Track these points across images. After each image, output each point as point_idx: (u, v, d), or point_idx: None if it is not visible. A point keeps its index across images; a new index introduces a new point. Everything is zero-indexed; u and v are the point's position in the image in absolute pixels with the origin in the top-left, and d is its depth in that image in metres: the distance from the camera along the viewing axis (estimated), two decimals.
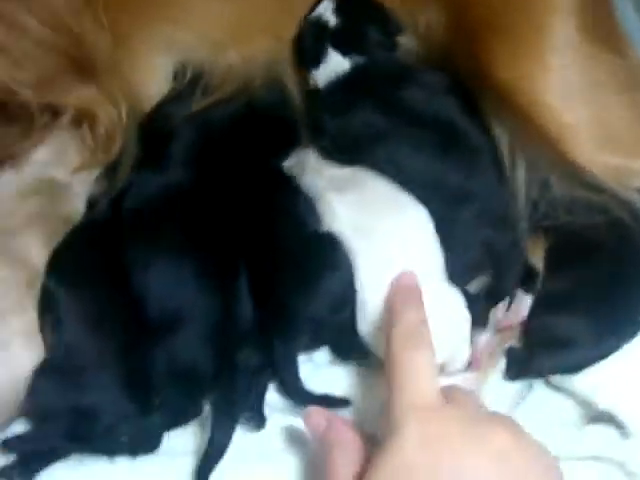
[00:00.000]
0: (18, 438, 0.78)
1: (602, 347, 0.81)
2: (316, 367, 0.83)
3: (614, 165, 0.83)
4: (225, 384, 0.77)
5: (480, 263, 0.84)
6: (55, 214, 0.86)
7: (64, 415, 0.76)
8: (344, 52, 0.92)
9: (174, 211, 0.85)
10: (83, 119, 0.88)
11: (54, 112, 0.87)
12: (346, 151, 0.88)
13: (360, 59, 0.92)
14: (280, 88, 0.94)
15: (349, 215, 0.83)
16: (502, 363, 0.85)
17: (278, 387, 0.81)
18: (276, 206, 0.86)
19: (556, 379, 0.84)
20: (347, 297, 0.79)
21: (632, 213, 0.84)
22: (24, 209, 0.84)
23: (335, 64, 0.92)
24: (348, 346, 0.82)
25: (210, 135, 0.91)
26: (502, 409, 0.80)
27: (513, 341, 0.86)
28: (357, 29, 0.93)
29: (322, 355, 0.85)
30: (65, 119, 0.87)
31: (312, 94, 0.94)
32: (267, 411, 0.80)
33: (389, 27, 0.94)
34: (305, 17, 0.95)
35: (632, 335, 0.82)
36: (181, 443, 0.80)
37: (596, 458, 0.79)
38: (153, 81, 0.93)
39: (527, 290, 0.86)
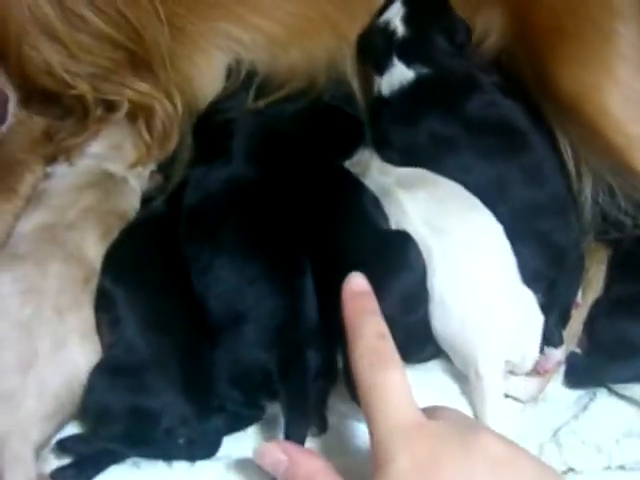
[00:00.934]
0: (74, 439, 0.75)
1: None
2: None
3: None
4: (293, 387, 0.74)
5: (545, 271, 0.81)
6: (110, 209, 0.83)
7: (123, 417, 0.73)
8: (408, 63, 0.91)
9: (237, 208, 0.82)
10: (139, 113, 0.86)
11: (109, 106, 0.85)
12: (412, 162, 0.87)
13: (424, 69, 0.90)
14: (344, 87, 0.93)
15: (421, 213, 0.81)
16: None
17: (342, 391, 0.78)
18: (342, 204, 0.84)
19: (620, 387, 0.81)
20: (419, 297, 0.77)
21: None
22: (80, 203, 0.82)
23: (399, 74, 0.91)
24: (415, 348, 0.79)
25: (273, 132, 0.89)
26: (563, 418, 0.78)
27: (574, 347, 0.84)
28: (424, 39, 0.92)
29: None
30: (121, 113, 0.85)
31: (376, 102, 0.92)
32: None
33: (458, 36, 0.93)
34: (373, 19, 0.93)
35: None
36: (239, 447, 0.77)
37: None
38: (208, 77, 0.91)
39: None
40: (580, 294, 0.85)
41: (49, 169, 0.85)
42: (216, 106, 0.91)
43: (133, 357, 0.75)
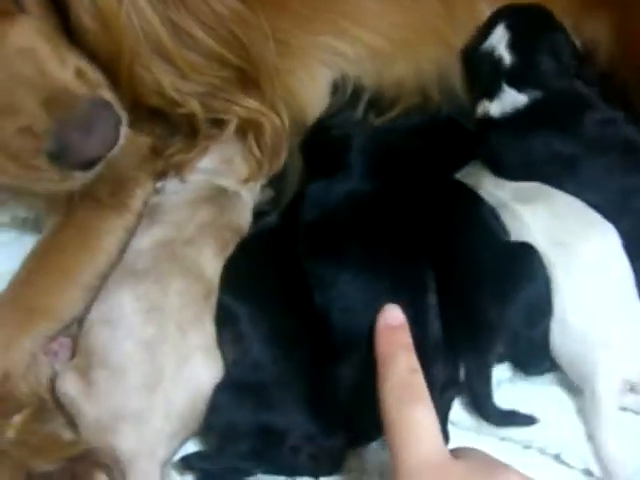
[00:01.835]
0: (198, 456, 0.75)
1: None
2: (497, 383, 0.79)
3: None
4: None
5: None
6: (226, 224, 0.83)
7: (249, 434, 0.72)
8: (519, 89, 0.89)
9: (359, 223, 0.81)
10: (248, 129, 0.85)
11: (218, 122, 0.84)
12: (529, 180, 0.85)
13: (537, 93, 0.89)
14: (456, 99, 0.92)
15: (542, 227, 0.80)
16: None
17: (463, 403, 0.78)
18: (462, 216, 0.83)
19: None
20: (543, 310, 0.76)
21: None
22: (196, 219, 0.81)
23: (512, 100, 0.89)
24: (535, 361, 0.79)
25: (390, 146, 0.88)
26: None
27: None
28: (532, 65, 0.90)
29: (502, 371, 0.80)
30: (230, 130, 0.84)
31: (484, 124, 0.91)
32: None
33: (564, 56, 0.91)
34: (476, 41, 0.92)
35: None
36: (361, 463, 0.76)
37: None
38: (313, 92, 0.90)
39: None
40: None
41: (159, 184, 0.85)
42: (326, 122, 0.90)
43: (258, 374, 0.74)
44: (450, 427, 0.76)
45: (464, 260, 0.80)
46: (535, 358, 0.78)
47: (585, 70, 0.92)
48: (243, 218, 0.85)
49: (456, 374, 0.77)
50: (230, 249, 0.81)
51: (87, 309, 0.79)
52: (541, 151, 0.85)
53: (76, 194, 0.78)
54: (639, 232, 0.80)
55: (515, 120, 0.88)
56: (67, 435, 0.74)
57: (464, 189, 0.87)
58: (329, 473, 0.75)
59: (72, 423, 0.74)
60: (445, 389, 0.75)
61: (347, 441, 0.75)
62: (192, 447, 0.77)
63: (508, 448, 0.78)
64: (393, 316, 0.71)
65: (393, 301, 0.74)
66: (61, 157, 0.69)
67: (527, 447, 0.78)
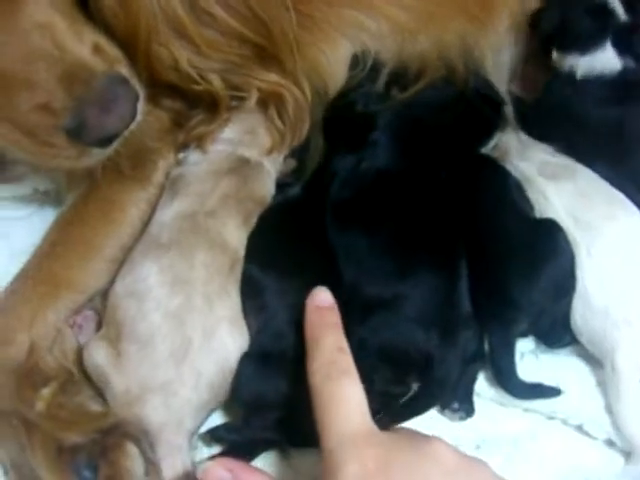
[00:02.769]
0: (226, 428, 0.74)
1: None
2: (520, 355, 0.79)
3: None
4: (449, 368, 0.73)
5: None
6: (249, 194, 0.82)
7: (276, 405, 0.72)
8: (621, 51, 0.86)
9: (389, 197, 0.81)
10: (269, 101, 0.84)
11: (239, 95, 0.83)
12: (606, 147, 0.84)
13: (631, 64, 0.86)
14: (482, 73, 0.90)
15: (567, 205, 0.80)
16: None
17: (488, 375, 0.78)
18: (489, 192, 0.83)
19: None
20: (567, 286, 0.76)
21: None
22: (219, 190, 0.80)
23: (606, 60, 0.86)
24: (558, 335, 0.79)
25: (417, 121, 0.87)
26: None
27: None
28: None
29: (525, 343, 0.80)
30: (251, 102, 0.83)
31: (561, 82, 0.88)
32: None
33: None
34: None
35: None
36: None
37: None
38: (335, 65, 0.89)
39: None
40: None
41: (181, 156, 0.84)
42: (349, 96, 0.89)
43: (282, 343, 0.74)
44: (475, 398, 0.77)
45: (490, 236, 0.79)
46: (557, 332, 0.78)
47: None
48: (266, 189, 0.84)
49: (481, 347, 0.76)
50: (253, 220, 0.81)
51: (110, 282, 0.78)
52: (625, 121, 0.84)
53: (98, 167, 0.77)
54: None
55: (605, 88, 0.86)
56: (95, 407, 0.73)
57: (490, 164, 0.86)
58: None
59: (100, 395, 0.73)
60: (471, 361, 0.75)
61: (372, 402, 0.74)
62: (218, 419, 0.77)
63: (531, 419, 0.78)
64: (322, 298, 0.71)
65: (424, 269, 0.75)
66: (79, 134, 0.68)
67: (550, 418, 0.78)
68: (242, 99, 0.83)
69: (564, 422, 0.78)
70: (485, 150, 0.89)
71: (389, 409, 0.74)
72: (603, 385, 0.78)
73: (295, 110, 0.84)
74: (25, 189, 0.86)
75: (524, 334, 0.78)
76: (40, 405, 0.71)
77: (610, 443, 0.77)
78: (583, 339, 0.77)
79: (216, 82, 0.80)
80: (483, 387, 0.78)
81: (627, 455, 0.76)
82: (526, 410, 0.78)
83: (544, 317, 0.76)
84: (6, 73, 0.65)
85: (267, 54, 0.82)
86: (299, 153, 0.87)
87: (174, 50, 0.76)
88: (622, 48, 0.86)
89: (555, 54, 0.89)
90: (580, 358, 0.80)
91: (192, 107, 0.83)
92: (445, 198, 0.82)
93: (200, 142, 0.82)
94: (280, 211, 0.82)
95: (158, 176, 0.83)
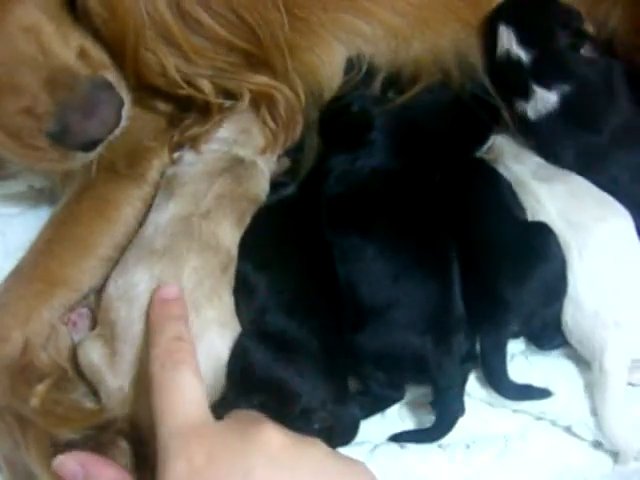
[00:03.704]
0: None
1: None
2: (510, 356, 0.79)
3: None
4: (445, 372, 0.73)
5: None
6: (243, 194, 0.81)
7: (263, 387, 0.72)
8: (549, 85, 0.86)
9: (383, 199, 0.82)
10: (260, 102, 0.84)
11: (231, 96, 0.83)
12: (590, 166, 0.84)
13: (566, 87, 0.86)
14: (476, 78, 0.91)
15: (559, 207, 0.80)
16: None
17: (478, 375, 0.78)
18: (480, 195, 0.84)
19: None
20: (558, 289, 0.77)
21: None
22: (213, 190, 0.80)
23: (543, 100, 0.86)
24: (548, 338, 0.79)
25: (412, 124, 0.88)
26: None
27: None
28: (551, 51, 0.87)
29: (516, 345, 0.81)
30: (244, 103, 0.83)
31: (526, 125, 0.88)
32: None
33: (573, 22, 0.88)
34: (490, 57, 0.90)
35: None
36: (379, 432, 0.77)
37: None
38: (331, 68, 0.89)
39: None
40: None
41: (176, 155, 0.84)
42: (345, 99, 0.89)
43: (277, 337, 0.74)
44: (465, 398, 0.77)
45: (481, 239, 0.80)
46: (548, 334, 0.79)
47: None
48: (260, 187, 0.84)
49: (473, 348, 0.77)
50: (247, 219, 0.81)
51: (104, 279, 0.78)
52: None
53: (92, 165, 0.77)
54: None
55: (554, 121, 0.86)
56: (89, 404, 0.73)
57: (483, 167, 0.87)
58: (344, 443, 0.74)
59: (94, 392, 0.73)
60: (463, 362, 0.76)
61: (361, 410, 0.75)
62: None
63: (521, 420, 0.79)
64: (168, 290, 0.71)
65: (421, 272, 0.76)
66: (62, 138, 0.68)
67: (539, 419, 0.78)
68: (235, 100, 0.83)
69: (553, 423, 0.78)
70: (479, 152, 0.90)
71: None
72: (592, 387, 0.77)
73: (287, 111, 0.84)
74: (20, 186, 0.86)
75: (515, 335, 0.79)
76: (34, 402, 0.71)
77: (598, 444, 0.77)
78: (573, 340, 0.77)
79: (206, 87, 0.80)
80: (473, 387, 0.78)
81: (615, 456, 0.76)
82: (515, 411, 0.79)
83: (535, 319, 0.77)
84: None
85: (256, 59, 0.82)
86: (293, 153, 0.87)
87: (161, 56, 0.76)
88: (545, 82, 0.86)
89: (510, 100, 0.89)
90: (569, 360, 0.80)
91: (185, 109, 0.83)
92: (438, 200, 0.83)
93: (194, 142, 0.82)
94: (275, 210, 0.82)
95: (153, 175, 0.83)
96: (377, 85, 0.89)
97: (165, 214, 0.78)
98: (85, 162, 0.73)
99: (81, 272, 0.79)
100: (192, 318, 0.73)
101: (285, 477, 0.58)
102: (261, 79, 0.83)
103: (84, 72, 0.69)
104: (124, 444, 0.70)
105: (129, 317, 0.73)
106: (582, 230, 0.78)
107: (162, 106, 0.82)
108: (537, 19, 0.90)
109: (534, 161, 0.86)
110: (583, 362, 0.79)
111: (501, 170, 0.86)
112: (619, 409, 0.74)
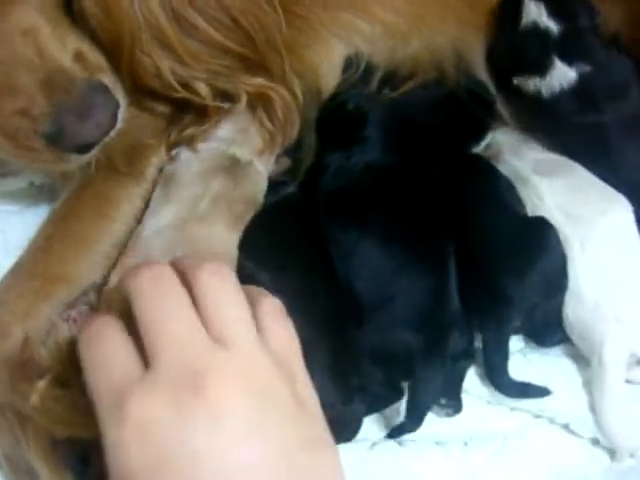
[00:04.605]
0: None
1: None
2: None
3: None
4: (433, 368, 0.73)
5: None
6: (239, 195, 0.81)
7: None
8: (570, 62, 0.86)
9: (380, 194, 0.82)
10: (257, 103, 0.84)
11: (228, 96, 0.83)
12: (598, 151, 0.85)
13: (586, 68, 0.86)
14: (472, 74, 0.91)
15: (559, 201, 0.80)
16: None
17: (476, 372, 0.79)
18: (478, 191, 0.84)
19: None
20: (559, 283, 0.77)
21: None
22: (210, 192, 0.79)
23: (561, 76, 0.86)
24: (549, 333, 0.79)
25: (407, 120, 0.88)
26: None
27: None
28: (579, 30, 0.87)
29: (514, 343, 0.80)
30: (242, 104, 0.83)
31: (537, 103, 0.88)
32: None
33: (592, 10, 0.88)
34: (509, 30, 0.89)
35: None
36: (378, 430, 0.77)
37: None
38: (329, 66, 0.89)
39: None
40: None
41: (174, 152, 0.83)
42: (341, 97, 0.89)
43: None
44: (463, 395, 0.77)
45: (480, 236, 0.80)
46: (549, 330, 0.79)
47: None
48: (257, 189, 0.83)
49: (471, 345, 0.77)
50: (244, 222, 0.80)
51: (104, 276, 0.78)
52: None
53: (92, 163, 0.77)
54: None
55: (570, 103, 0.86)
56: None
57: (480, 163, 0.87)
58: (347, 439, 0.74)
59: None
60: (460, 359, 0.76)
61: (366, 406, 0.75)
62: None
63: (519, 417, 0.79)
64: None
65: (417, 269, 0.76)
66: (57, 140, 0.68)
67: (537, 417, 0.79)
68: (232, 100, 0.83)
69: (551, 421, 0.78)
70: (478, 149, 0.90)
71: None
72: (590, 384, 0.78)
73: (284, 111, 0.83)
74: (20, 183, 0.86)
75: (516, 331, 0.79)
76: (34, 398, 0.70)
77: (596, 442, 0.77)
78: (574, 335, 0.77)
79: (202, 89, 0.79)
80: (471, 385, 0.78)
81: (612, 453, 0.76)
82: (513, 409, 0.79)
83: (537, 314, 0.77)
84: None
85: (252, 63, 0.82)
86: (293, 152, 0.87)
87: (157, 59, 0.76)
88: (569, 58, 0.86)
89: (516, 80, 0.88)
90: (568, 358, 0.80)
91: (183, 110, 0.82)
92: (436, 196, 0.83)
93: (191, 142, 0.82)
94: (277, 210, 0.82)
95: (152, 172, 0.82)
96: (374, 83, 0.89)
97: (163, 220, 0.78)
98: (81, 164, 0.73)
99: (80, 269, 0.79)
100: None
101: None
102: (257, 81, 0.82)
103: (80, 75, 0.69)
104: None
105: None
106: (584, 223, 0.78)
107: (160, 107, 0.82)
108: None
109: (533, 156, 0.86)
110: (581, 360, 0.79)
111: (501, 166, 0.86)
112: (617, 404, 0.75)
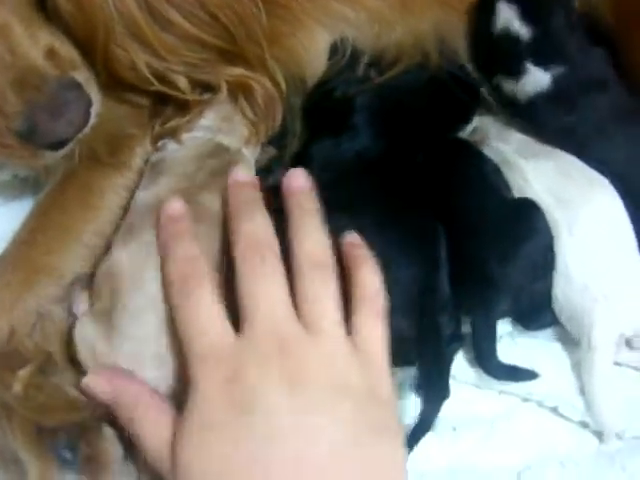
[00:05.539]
0: None
1: None
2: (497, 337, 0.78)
3: None
4: (431, 353, 0.73)
5: None
6: None
7: None
8: (545, 66, 0.85)
9: (369, 180, 0.81)
10: (237, 92, 0.83)
11: (209, 87, 0.82)
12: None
13: (560, 69, 0.85)
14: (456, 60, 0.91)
15: (547, 184, 0.80)
16: None
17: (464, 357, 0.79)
18: (465, 175, 0.83)
19: None
20: (546, 265, 0.76)
21: None
22: (205, 168, 0.79)
23: (535, 80, 0.86)
24: (537, 315, 0.79)
25: (394, 105, 0.88)
26: None
27: None
28: (551, 32, 0.86)
29: (502, 326, 0.80)
30: (223, 94, 0.82)
31: (513, 107, 0.89)
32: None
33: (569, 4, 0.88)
34: (483, 31, 0.89)
35: None
36: None
37: None
38: (314, 54, 0.88)
39: None
40: None
41: (160, 143, 0.83)
42: (328, 84, 0.89)
43: None
44: (450, 381, 0.76)
45: (466, 218, 0.79)
46: (538, 312, 0.78)
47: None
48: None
49: (458, 330, 0.76)
50: None
51: (90, 267, 0.78)
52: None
53: (75, 154, 0.76)
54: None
55: (546, 106, 0.86)
56: (73, 392, 0.73)
57: (466, 148, 0.86)
58: None
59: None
60: (448, 343, 0.75)
61: None
62: None
63: (507, 401, 0.78)
64: (174, 207, 0.71)
65: (407, 253, 0.75)
66: (30, 137, 0.68)
67: (525, 400, 0.78)
68: (212, 92, 0.82)
69: (539, 404, 0.78)
70: (464, 134, 0.90)
71: None
72: (578, 367, 0.77)
73: (266, 100, 0.83)
74: (4, 176, 0.85)
75: (504, 314, 0.79)
76: (17, 387, 0.70)
77: (584, 425, 0.77)
78: (563, 317, 0.77)
79: (181, 82, 0.79)
80: (459, 369, 0.77)
81: (600, 436, 0.76)
82: (502, 392, 0.78)
83: (523, 297, 0.76)
84: None
85: (231, 55, 0.81)
86: (277, 141, 0.86)
87: (132, 52, 0.75)
88: (543, 62, 0.85)
89: (495, 80, 0.89)
90: (556, 341, 0.80)
91: (163, 103, 0.82)
92: (422, 181, 0.82)
93: (175, 133, 0.81)
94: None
95: (137, 162, 0.82)
96: (360, 69, 0.89)
97: (155, 190, 0.77)
98: (56, 159, 0.73)
99: (66, 260, 0.78)
100: None
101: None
102: (237, 71, 0.82)
103: (52, 72, 0.69)
104: (109, 430, 0.69)
105: (141, 280, 0.72)
106: (571, 205, 0.78)
107: (140, 100, 0.81)
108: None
109: (518, 139, 0.86)
110: (570, 343, 0.79)
111: (487, 151, 0.85)
112: (606, 385, 0.75)
